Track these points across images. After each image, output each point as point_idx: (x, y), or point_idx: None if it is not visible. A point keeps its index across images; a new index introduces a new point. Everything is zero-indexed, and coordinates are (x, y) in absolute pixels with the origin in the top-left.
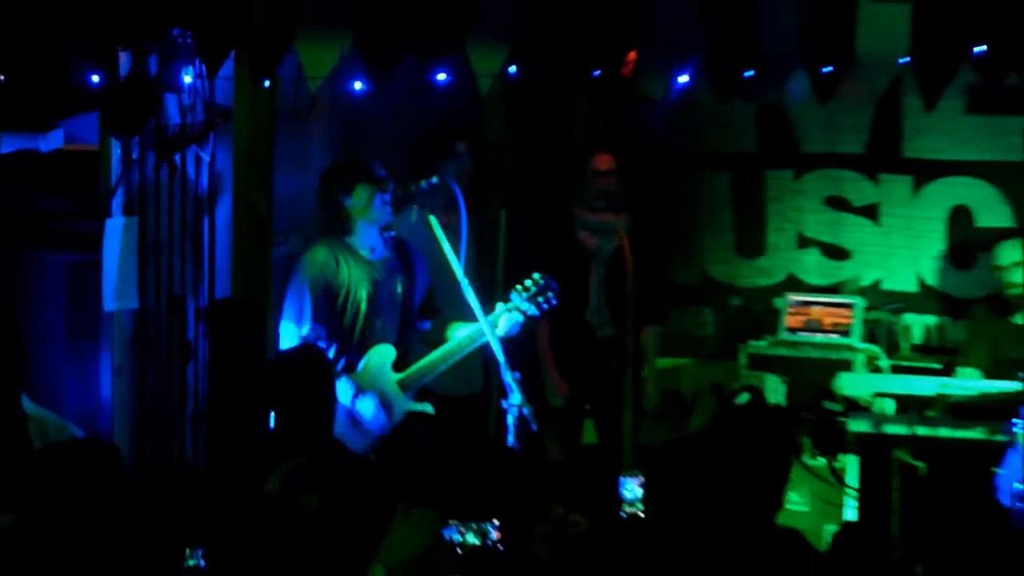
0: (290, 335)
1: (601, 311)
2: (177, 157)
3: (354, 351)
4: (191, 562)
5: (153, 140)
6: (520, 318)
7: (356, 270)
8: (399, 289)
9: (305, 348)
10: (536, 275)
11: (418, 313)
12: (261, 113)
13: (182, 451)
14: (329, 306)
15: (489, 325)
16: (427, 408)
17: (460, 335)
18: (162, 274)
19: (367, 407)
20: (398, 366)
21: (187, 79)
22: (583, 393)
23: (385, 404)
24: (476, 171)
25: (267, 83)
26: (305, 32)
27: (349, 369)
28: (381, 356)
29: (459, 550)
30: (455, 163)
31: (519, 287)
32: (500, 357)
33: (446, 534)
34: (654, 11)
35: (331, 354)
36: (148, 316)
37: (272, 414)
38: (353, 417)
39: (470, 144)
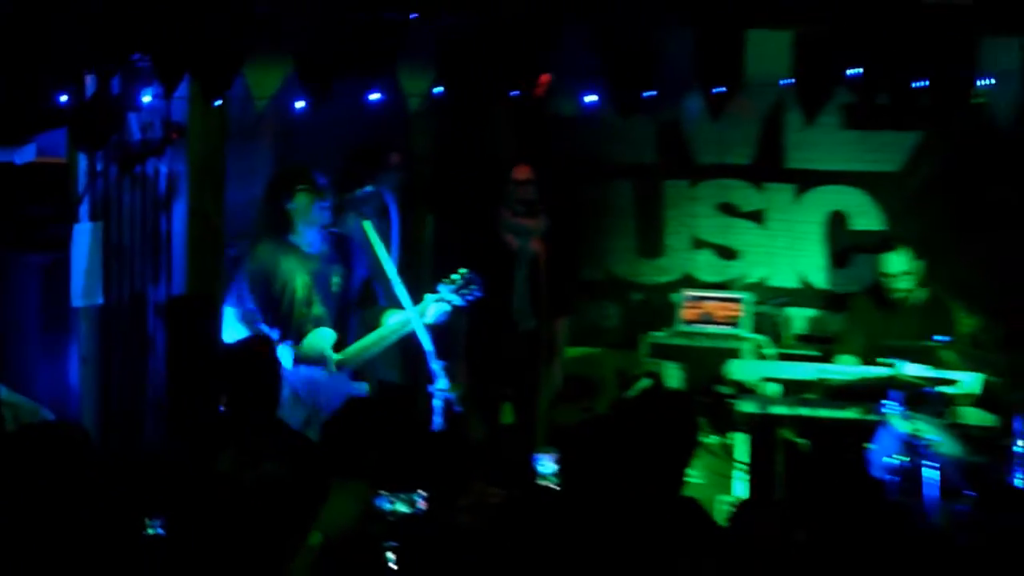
0: (231, 320)
1: (524, 306)
2: (138, 169)
3: (294, 333)
4: (151, 531)
5: (116, 153)
6: (447, 307)
7: (295, 263)
8: (336, 280)
9: (252, 339)
10: (462, 269)
11: (356, 302)
12: (213, 129)
13: (143, 432)
14: (268, 293)
15: (417, 314)
16: (362, 387)
17: (392, 321)
18: (124, 273)
19: (304, 376)
20: (337, 348)
21: (146, 99)
22: (504, 379)
23: (319, 388)
24: (407, 180)
25: (218, 103)
26: (252, 58)
27: (291, 343)
28: (321, 338)
29: (390, 518)
30: (390, 173)
31: (446, 280)
32: (428, 347)
33: (378, 503)
34: (564, 39)
35: (274, 335)
36: (112, 311)
37: (223, 397)
38: (294, 394)
39: (402, 156)
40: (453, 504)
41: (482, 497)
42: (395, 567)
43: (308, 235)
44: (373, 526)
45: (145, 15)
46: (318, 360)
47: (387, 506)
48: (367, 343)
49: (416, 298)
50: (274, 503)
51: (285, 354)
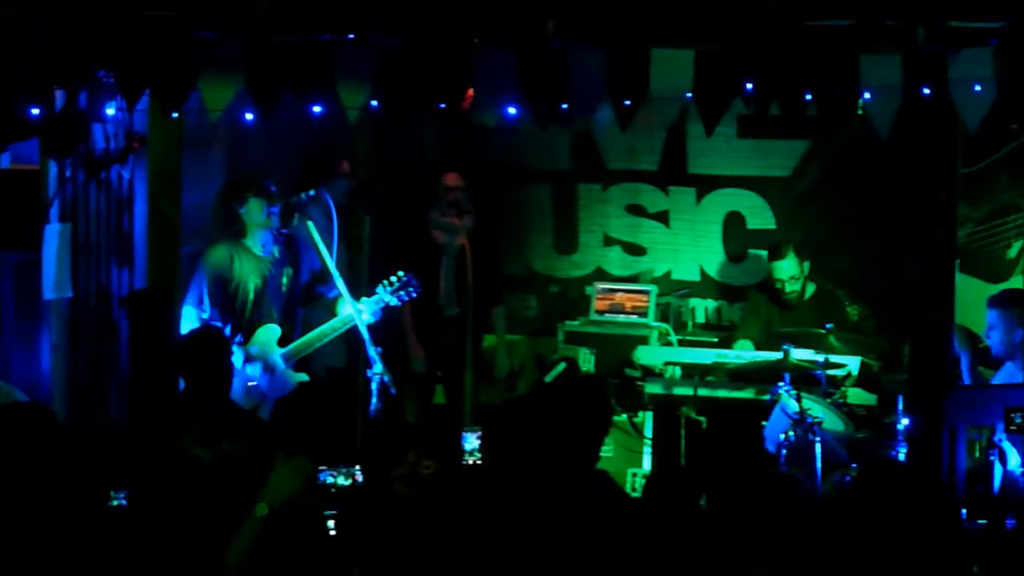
0: (190, 316)
1: (449, 295)
2: (103, 174)
3: (245, 329)
4: (115, 502)
5: (83, 161)
6: (382, 305)
7: (248, 265)
8: (285, 280)
9: (206, 328)
10: (400, 272)
11: (303, 298)
12: (170, 139)
13: (108, 412)
14: (223, 293)
15: (358, 312)
16: (303, 377)
17: (334, 320)
18: (91, 269)
19: (255, 371)
20: (283, 342)
21: (110, 111)
22: (435, 362)
23: (269, 370)
24: (350, 185)
25: (175, 115)
26: (206, 74)
27: (242, 343)
28: (268, 334)
29: (331, 490)
30: (340, 179)
31: (385, 282)
32: (365, 335)
33: (320, 477)
34: (487, 58)
35: (227, 332)
36: (80, 303)
37: (181, 381)
38: (245, 382)
39: (351, 164)
40: (388, 476)
41: (414, 469)
42: (334, 533)
43: (260, 238)
44: (315, 497)
45: (109, 36)
46: (265, 354)
47: (328, 479)
48: (311, 339)
49: (355, 291)
50: (229, 478)
51: (236, 354)
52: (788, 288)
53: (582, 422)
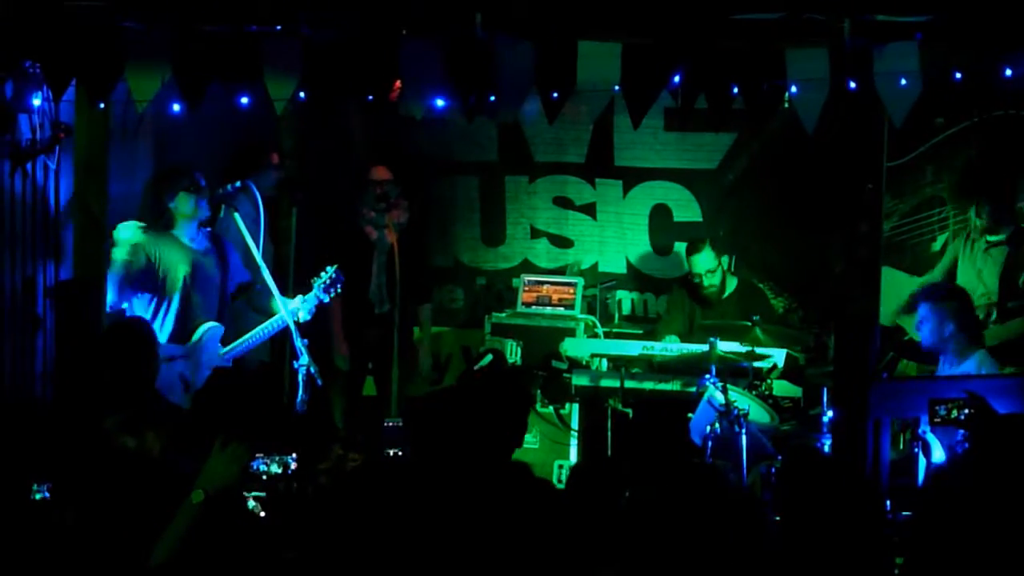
0: (112, 297)
1: (381, 290)
2: (28, 165)
3: (178, 321)
4: (38, 495)
5: (8, 152)
6: (315, 303)
7: (176, 255)
8: (215, 271)
9: (130, 319)
10: (329, 269)
11: (233, 294)
12: (97, 130)
13: (33, 402)
14: (151, 283)
15: (291, 313)
16: (226, 361)
17: (271, 320)
18: (16, 260)
19: (187, 366)
20: (224, 341)
21: (36, 102)
22: (365, 356)
23: (204, 367)
24: (279, 177)
25: (102, 106)
26: (133, 64)
27: (178, 337)
28: (211, 332)
29: (264, 477)
30: (269, 171)
31: (316, 279)
32: (293, 328)
33: (254, 464)
34: (415, 50)
35: (156, 323)
36: (5, 294)
37: (105, 371)
38: (179, 374)
39: (279, 156)
40: (314, 469)
41: (340, 462)
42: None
43: (188, 230)
44: (249, 484)
45: (35, 26)
46: (208, 352)
47: (262, 467)
48: (249, 338)
49: (281, 284)
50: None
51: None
52: (707, 282)
53: (500, 413)
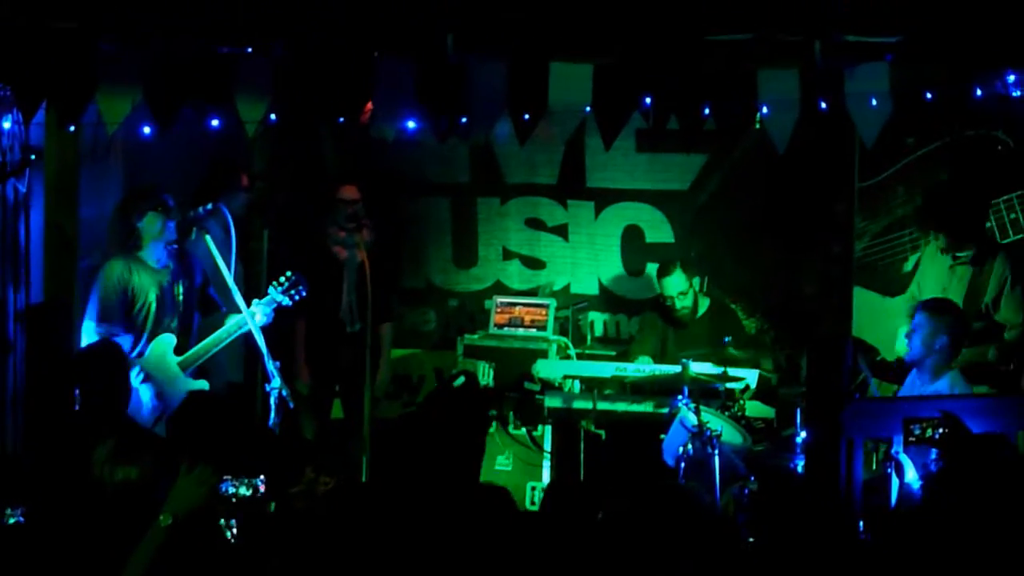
0: (89, 331)
1: (352, 310)
2: None
3: (147, 342)
4: (11, 520)
5: None
6: (274, 306)
7: (146, 278)
8: (180, 291)
9: (103, 343)
10: (288, 272)
11: (202, 310)
12: (67, 152)
13: (3, 428)
14: (124, 307)
15: (250, 315)
16: (203, 384)
17: (228, 324)
18: None
19: (145, 394)
20: (178, 350)
21: (6, 125)
22: (333, 377)
23: (164, 385)
24: (249, 198)
25: (72, 128)
26: (104, 86)
27: (141, 356)
28: (163, 344)
29: (233, 500)
30: (239, 192)
31: (275, 282)
32: (263, 348)
33: (222, 487)
34: (385, 71)
35: (127, 345)
36: None
37: (77, 395)
38: (144, 399)
39: (250, 177)
40: (286, 490)
41: (312, 485)
42: (233, 542)
43: (156, 251)
44: (217, 507)
45: (5, 48)
46: (161, 365)
47: (231, 489)
48: (206, 345)
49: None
50: (133, 498)
51: (136, 375)
52: (679, 304)
53: (467, 435)
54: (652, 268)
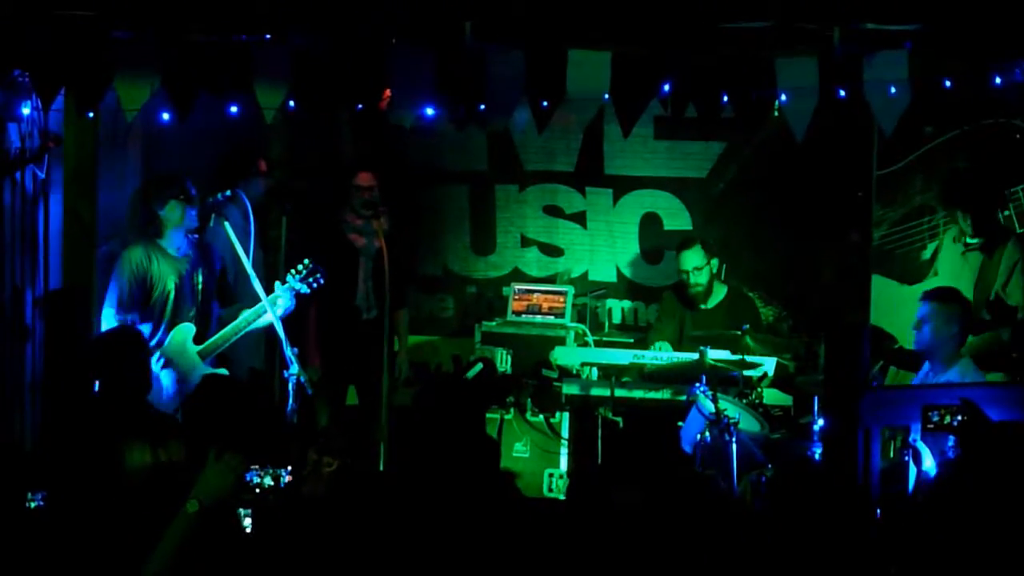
0: (109, 318)
1: (368, 297)
2: (17, 175)
3: (165, 330)
4: (33, 503)
5: None
6: (294, 294)
7: (165, 266)
8: (200, 280)
9: (122, 329)
10: (306, 260)
11: (221, 299)
12: (86, 139)
13: (22, 413)
14: (143, 294)
15: (270, 303)
16: (222, 371)
17: (246, 313)
18: (4, 269)
19: (165, 380)
20: (198, 339)
21: (26, 111)
22: (347, 364)
23: (184, 374)
24: (267, 185)
25: (91, 115)
26: (122, 73)
27: (160, 344)
28: (183, 333)
29: (257, 489)
30: (256, 179)
31: (293, 271)
32: (282, 334)
33: (247, 476)
34: (404, 58)
35: (146, 333)
36: None
37: (95, 382)
38: (165, 386)
39: (268, 164)
40: (297, 476)
41: (318, 467)
42: (250, 530)
43: (176, 239)
44: (242, 494)
45: (24, 36)
46: (182, 353)
47: (256, 479)
48: (226, 334)
49: (270, 291)
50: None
51: (156, 361)
52: (692, 279)
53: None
54: (670, 255)
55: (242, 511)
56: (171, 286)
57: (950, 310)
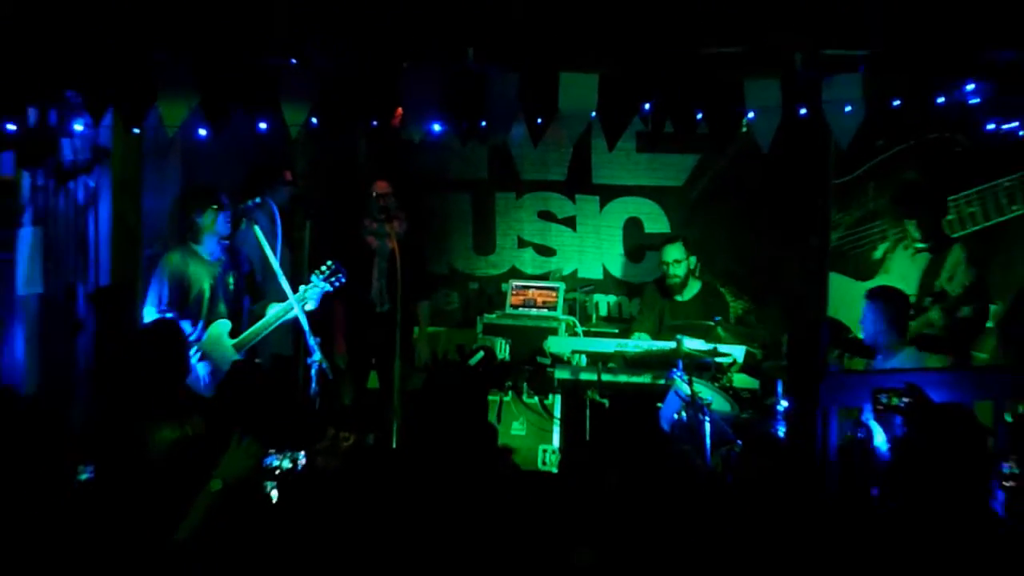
0: (151, 316)
1: (382, 293)
2: (71, 184)
3: (203, 326)
4: (83, 476)
5: (53, 171)
6: (319, 293)
7: (200, 269)
8: (231, 281)
9: (162, 322)
10: (329, 262)
11: (252, 296)
12: (131, 151)
13: (75, 395)
14: (181, 294)
15: (298, 301)
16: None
17: (275, 309)
18: (60, 268)
19: (201, 370)
20: (233, 333)
21: (78, 127)
22: (369, 352)
23: (220, 365)
24: (292, 192)
25: (136, 131)
26: (164, 94)
27: (199, 339)
28: (219, 328)
29: (276, 472)
30: (282, 187)
31: (317, 271)
32: (306, 326)
33: (267, 460)
34: (413, 81)
35: (187, 329)
36: (50, 299)
37: (140, 368)
38: (202, 376)
39: (293, 174)
40: (313, 451)
41: (335, 442)
42: (275, 502)
43: (210, 245)
44: (262, 476)
45: (76, 60)
46: (218, 346)
47: (275, 462)
48: (258, 328)
49: (296, 288)
50: (189, 455)
51: (193, 353)
52: (671, 271)
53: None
54: (651, 255)
55: (268, 483)
56: (206, 287)
57: (882, 305)
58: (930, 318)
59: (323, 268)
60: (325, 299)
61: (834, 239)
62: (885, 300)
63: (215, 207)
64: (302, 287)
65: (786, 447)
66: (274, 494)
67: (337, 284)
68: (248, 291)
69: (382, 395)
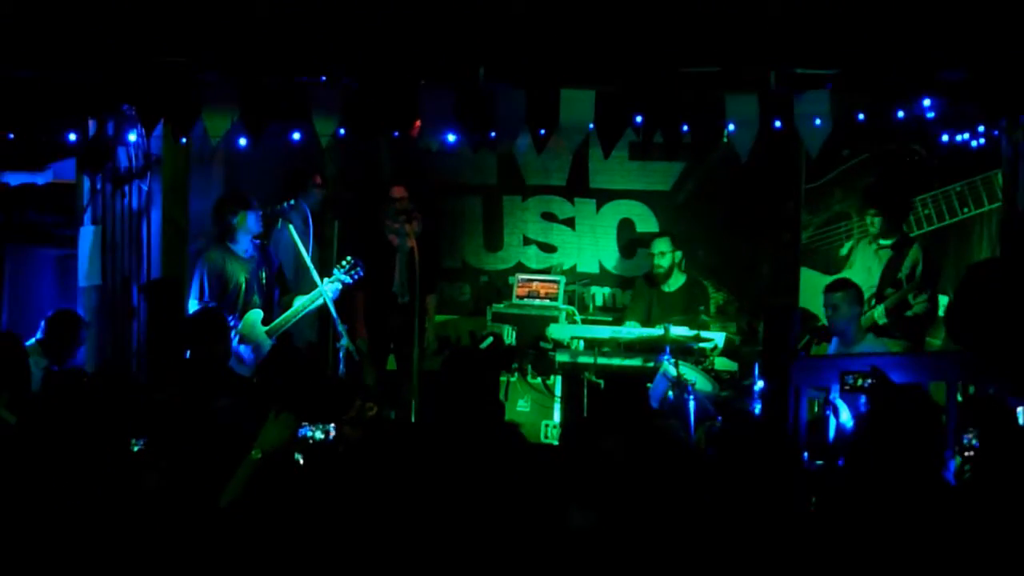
0: (194, 306)
1: (402, 286)
2: (126, 188)
3: (239, 316)
4: (136, 447)
5: (110, 176)
6: (339, 285)
7: (236, 265)
8: (263, 275)
9: (206, 310)
10: (348, 257)
11: (282, 288)
12: (180, 159)
13: (129, 375)
14: (219, 287)
15: (324, 290)
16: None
17: (301, 300)
18: (116, 263)
19: (245, 353)
20: (265, 321)
21: (132, 138)
22: (388, 337)
23: (257, 349)
24: (322, 196)
25: (183, 140)
26: (208, 108)
27: (235, 327)
28: (253, 317)
29: (310, 442)
30: (313, 191)
31: (338, 266)
32: (334, 313)
33: (301, 432)
34: (429, 96)
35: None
36: (107, 290)
37: (187, 351)
38: (238, 356)
39: (322, 179)
40: (340, 422)
41: (360, 412)
42: (304, 467)
43: (244, 243)
44: (296, 446)
45: (131, 78)
46: (252, 333)
47: (308, 433)
48: (287, 317)
49: (322, 281)
50: (229, 427)
51: (232, 337)
52: (657, 261)
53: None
54: (642, 252)
55: (297, 454)
56: (242, 280)
57: (841, 296)
58: (874, 316)
59: (343, 263)
60: (346, 290)
61: (804, 238)
62: (841, 292)
63: (246, 209)
64: (325, 279)
65: (761, 423)
66: (301, 461)
67: (356, 277)
68: (278, 284)
69: (400, 376)
